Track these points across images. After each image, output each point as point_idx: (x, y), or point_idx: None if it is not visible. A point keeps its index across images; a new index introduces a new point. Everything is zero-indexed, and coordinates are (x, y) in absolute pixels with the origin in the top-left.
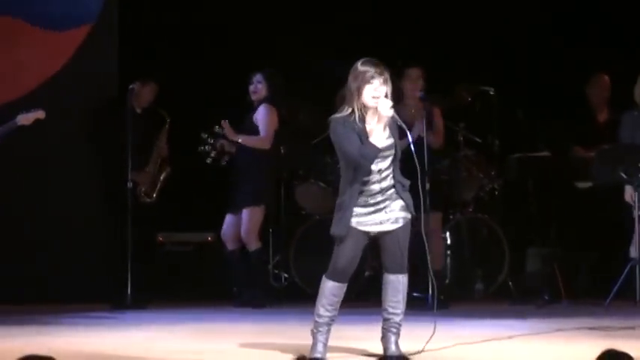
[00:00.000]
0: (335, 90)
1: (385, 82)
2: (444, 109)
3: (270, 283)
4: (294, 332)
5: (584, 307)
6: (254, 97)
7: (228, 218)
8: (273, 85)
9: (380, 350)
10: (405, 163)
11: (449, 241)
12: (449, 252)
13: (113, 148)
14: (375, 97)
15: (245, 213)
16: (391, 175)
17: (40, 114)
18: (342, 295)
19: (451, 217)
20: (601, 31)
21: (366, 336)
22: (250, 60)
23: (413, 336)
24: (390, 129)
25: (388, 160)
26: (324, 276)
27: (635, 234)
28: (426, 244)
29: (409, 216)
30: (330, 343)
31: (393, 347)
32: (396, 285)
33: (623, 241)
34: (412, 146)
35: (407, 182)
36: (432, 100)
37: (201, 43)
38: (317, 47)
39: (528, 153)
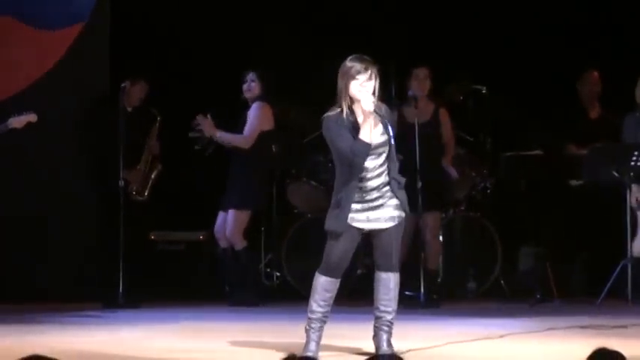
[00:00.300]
0: (326, 89)
1: (371, 77)
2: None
3: (261, 282)
4: (285, 331)
5: (576, 305)
6: (248, 96)
7: (221, 216)
8: (267, 84)
9: (372, 349)
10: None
11: (441, 240)
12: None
13: (104, 147)
14: (360, 92)
15: (230, 213)
16: (386, 172)
17: (32, 117)
18: (335, 291)
19: (443, 215)
20: (593, 27)
21: (357, 334)
22: (241, 58)
23: (405, 334)
24: (385, 125)
25: (382, 157)
26: (317, 271)
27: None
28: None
29: (403, 214)
30: (322, 341)
31: (384, 345)
32: (388, 283)
33: (615, 239)
34: (392, 140)
35: (402, 180)
36: (439, 101)
37: (192, 42)
38: (309, 46)
39: (520, 151)
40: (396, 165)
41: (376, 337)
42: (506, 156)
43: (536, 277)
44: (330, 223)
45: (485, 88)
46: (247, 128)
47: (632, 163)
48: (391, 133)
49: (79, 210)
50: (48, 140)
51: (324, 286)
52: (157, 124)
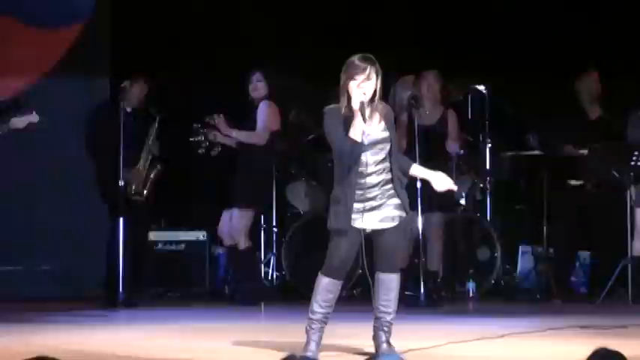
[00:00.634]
0: (325, 88)
1: (370, 77)
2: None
3: (261, 282)
4: (286, 330)
5: (576, 305)
6: (254, 95)
7: (225, 214)
8: (273, 84)
9: (372, 349)
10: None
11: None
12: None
13: (104, 147)
14: (355, 90)
15: (236, 212)
16: (388, 169)
17: (34, 117)
18: (337, 293)
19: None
20: (593, 27)
21: (357, 335)
22: (242, 59)
23: (405, 334)
24: (387, 122)
25: (383, 153)
26: (319, 272)
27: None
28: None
29: (405, 215)
30: (323, 341)
31: (384, 346)
32: (388, 284)
33: (615, 239)
34: (394, 138)
35: (405, 179)
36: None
37: (193, 42)
38: (310, 46)
39: (520, 151)
40: (399, 164)
41: (376, 338)
42: (506, 156)
43: (536, 277)
44: (331, 222)
45: (484, 87)
46: (260, 125)
47: (632, 163)
48: (394, 131)
49: (78, 209)
50: (47, 140)
51: (326, 287)
52: (157, 124)
